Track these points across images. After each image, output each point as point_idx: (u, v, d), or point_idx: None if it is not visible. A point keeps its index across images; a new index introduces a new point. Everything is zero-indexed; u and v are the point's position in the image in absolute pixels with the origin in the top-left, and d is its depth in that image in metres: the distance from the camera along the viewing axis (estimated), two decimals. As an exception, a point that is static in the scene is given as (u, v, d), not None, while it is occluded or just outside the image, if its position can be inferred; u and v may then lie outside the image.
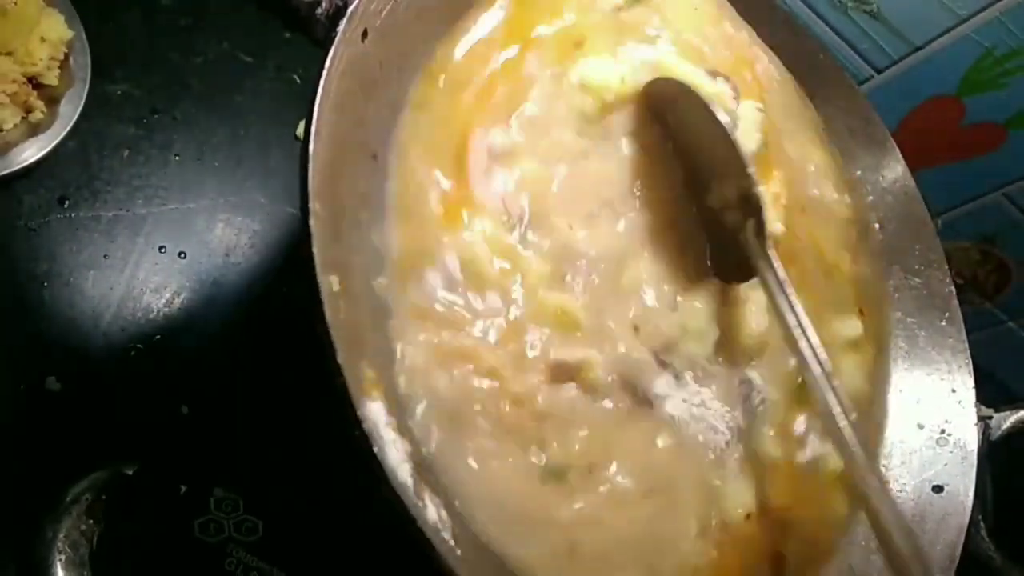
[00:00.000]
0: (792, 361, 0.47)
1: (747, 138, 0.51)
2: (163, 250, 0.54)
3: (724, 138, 0.46)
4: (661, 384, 0.44)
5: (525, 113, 0.46)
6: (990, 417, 0.58)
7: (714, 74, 0.52)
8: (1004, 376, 0.85)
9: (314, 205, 0.35)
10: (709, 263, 0.48)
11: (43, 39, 0.53)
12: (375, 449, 0.33)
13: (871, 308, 0.56)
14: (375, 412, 0.36)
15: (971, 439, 0.52)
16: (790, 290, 0.44)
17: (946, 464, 0.52)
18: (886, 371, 0.56)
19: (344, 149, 0.41)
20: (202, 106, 0.59)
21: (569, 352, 0.42)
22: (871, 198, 0.61)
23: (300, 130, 0.60)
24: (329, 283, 0.35)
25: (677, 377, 0.45)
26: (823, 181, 0.58)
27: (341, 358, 0.33)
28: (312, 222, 0.34)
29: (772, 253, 0.45)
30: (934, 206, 0.61)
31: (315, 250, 0.34)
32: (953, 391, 0.55)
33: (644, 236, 0.47)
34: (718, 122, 0.46)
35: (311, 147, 0.36)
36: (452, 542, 0.36)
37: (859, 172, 0.61)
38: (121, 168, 0.55)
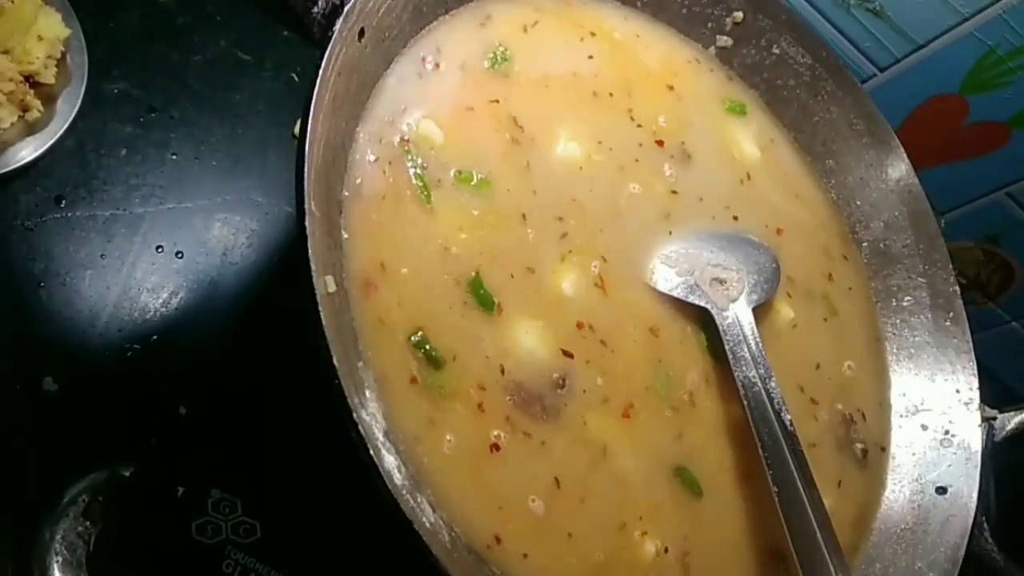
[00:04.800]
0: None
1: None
2: (160, 250, 0.54)
3: None
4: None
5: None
6: (994, 418, 0.57)
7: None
8: (1008, 377, 0.84)
9: (310, 206, 0.34)
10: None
11: (40, 37, 0.52)
12: (371, 451, 0.32)
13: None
14: (371, 415, 0.36)
15: (975, 440, 0.52)
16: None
17: (950, 465, 0.52)
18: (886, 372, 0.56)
19: (341, 148, 0.41)
20: (200, 105, 0.59)
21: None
22: (875, 195, 0.61)
23: (298, 129, 0.60)
24: (324, 284, 0.35)
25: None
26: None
27: (337, 360, 0.32)
28: (308, 223, 0.34)
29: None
30: (937, 205, 0.61)
31: (310, 252, 0.33)
32: (957, 392, 0.54)
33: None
34: None
35: (307, 148, 0.35)
36: (449, 544, 0.36)
37: (863, 171, 0.61)
38: (118, 167, 0.55)
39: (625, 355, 0.46)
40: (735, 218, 0.54)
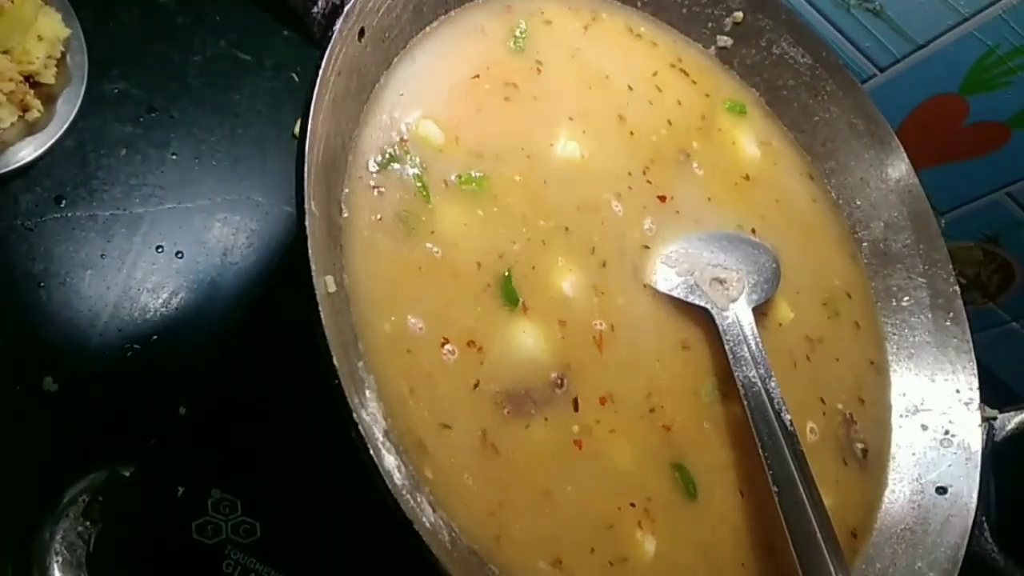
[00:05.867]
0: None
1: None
2: (160, 250, 0.54)
3: None
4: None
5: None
6: (994, 418, 0.57)
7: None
8: (1008, 376, 0.84)
9: (310, 206, 0.34)
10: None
11: (40, 37, 0.52)
12: (371, 451, 0.32)
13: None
14: (371, 415, 0.36)
15: (975, 440, 0.52)
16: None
17: (950, 465, 0.52)
18: (886, 372, 0.56)
19: (341, 148, 0.41)
20: (200, 105, 0.59)
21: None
22: (875, 195, 0.61)
23: (298, 129, 0.60)
24: (324, 284, 0.35)
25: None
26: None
27: (337, 360, 0.32)
28: (308, 223, 0.34)
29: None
30: (937, 205, 0.61)
31: (310, 252, 0.33)
32: (957, 392, 0.54)
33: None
34: None
35: (307, 148, 0.35)
36: (449, 544, 0.36)
37: (863, 171, 0.61)
38: (118, 167, 0.55)
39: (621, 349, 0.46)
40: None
